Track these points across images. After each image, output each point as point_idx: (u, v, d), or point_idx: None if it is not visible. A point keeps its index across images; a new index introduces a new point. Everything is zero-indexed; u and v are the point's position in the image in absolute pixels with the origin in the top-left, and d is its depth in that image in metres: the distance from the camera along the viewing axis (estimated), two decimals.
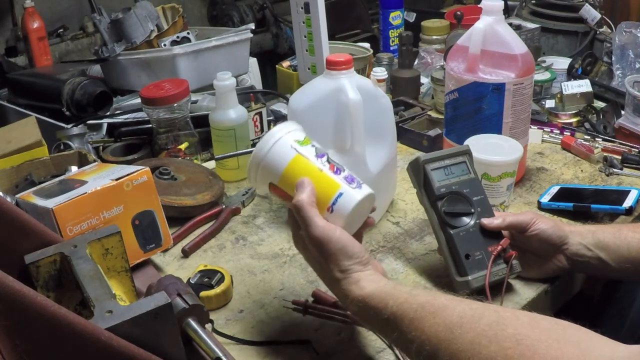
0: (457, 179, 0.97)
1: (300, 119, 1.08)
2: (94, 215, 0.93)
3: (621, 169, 1.30)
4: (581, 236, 0.95)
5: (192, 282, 0.96)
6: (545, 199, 1.18)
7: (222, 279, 0.96)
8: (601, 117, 1.49)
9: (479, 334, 0.64)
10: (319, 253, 0.80)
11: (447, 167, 0.97)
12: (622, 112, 1.44)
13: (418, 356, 0.69)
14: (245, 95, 1.48)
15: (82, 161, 1.24)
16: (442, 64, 1.72)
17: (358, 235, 0.86)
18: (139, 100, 1.43)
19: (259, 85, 1.80)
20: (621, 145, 1.37)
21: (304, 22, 1.47)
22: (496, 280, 0.92)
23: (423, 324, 0.69)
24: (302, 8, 1.45)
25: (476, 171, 1.01)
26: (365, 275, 0.79)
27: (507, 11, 1.99)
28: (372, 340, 0.88)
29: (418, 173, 0.97)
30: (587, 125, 1.47)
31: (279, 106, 1.60)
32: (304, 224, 0.80)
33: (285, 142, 0.84)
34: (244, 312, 0.95)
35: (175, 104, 1.30)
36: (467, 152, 1.01)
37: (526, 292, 0.97)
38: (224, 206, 1.20)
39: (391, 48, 1.93)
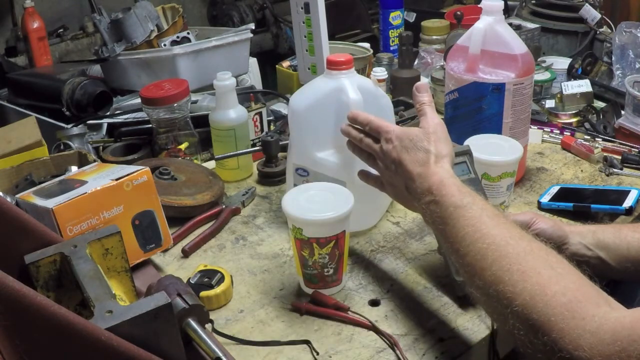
0: None
1: (300, 119, 1.09)
2: (94, 215, 0.93)
3: (621, 169, 1.30)
4: (581, 236, 0.95)
5: (192, 282, 0.96)
6: (545, 199, 1.18)
7: (222, 279, 0.96)
8: (601, 117, 1.49)
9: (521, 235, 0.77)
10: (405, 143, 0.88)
11: None
12: (622, 112, 1.44)
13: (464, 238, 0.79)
14: (245, 95, 1.48)
15: (82, 161, 1.24)
16: (442, 64, 1.72)
17: None
18: (139, 100, 1.43)
19: (259, 85, 1.80)
20: (621, 145, 1.37)
21: (304, 22, 1.47)
22: None
23: (493, 223, 0.79)
24: (302, 8, 1.45)
25: (476, 171, 1.01)
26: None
27: (507, 11, 1.99)
28: (372, 341, 0.88)
29: None
30: (587, 125, 1.47)
31: (279, 106, 1.60)
32: (384, 129, 0.91)
33: None
34: (244, 312, 0.95)
35: (175, 104, 1.30)
36: (468, 152, 1.01)
37: None
38: (224, 206, 1.20)
39: (391, 48, 1.93)
